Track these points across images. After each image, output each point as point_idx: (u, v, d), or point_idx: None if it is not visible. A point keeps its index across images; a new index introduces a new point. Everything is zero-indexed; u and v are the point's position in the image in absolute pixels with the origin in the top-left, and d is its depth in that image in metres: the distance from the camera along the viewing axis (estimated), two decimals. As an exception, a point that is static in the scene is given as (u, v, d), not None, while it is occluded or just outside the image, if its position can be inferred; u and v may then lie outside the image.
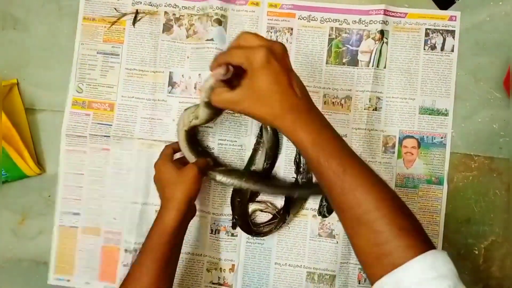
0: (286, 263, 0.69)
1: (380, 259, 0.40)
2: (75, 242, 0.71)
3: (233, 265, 0.70)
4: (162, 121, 0.71)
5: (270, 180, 0.68)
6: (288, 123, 0.45)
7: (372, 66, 0.70)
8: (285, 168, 0.70)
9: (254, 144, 0.70)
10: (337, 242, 0.69)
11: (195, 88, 0.71)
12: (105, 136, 0.71)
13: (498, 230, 0.68)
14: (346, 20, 0.71)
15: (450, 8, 0.70)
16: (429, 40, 0.70)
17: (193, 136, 0.65)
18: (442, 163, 0.69)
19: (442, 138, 0.69)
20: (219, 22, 0.72)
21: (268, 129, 0.68)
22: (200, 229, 0.70)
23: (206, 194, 0.70)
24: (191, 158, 0.62)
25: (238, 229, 0.69)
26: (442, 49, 0.70)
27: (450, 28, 0.70)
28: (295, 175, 0.69)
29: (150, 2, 0.73)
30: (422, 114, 0.69)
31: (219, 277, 0.70)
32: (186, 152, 0.63)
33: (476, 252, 0.68)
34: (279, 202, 0.70)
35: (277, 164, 0.70)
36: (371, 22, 0.70)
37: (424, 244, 0.40)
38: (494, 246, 0.68)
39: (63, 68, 0.73)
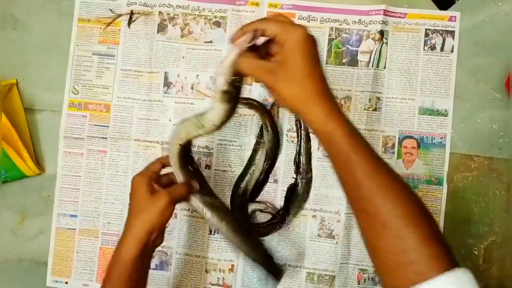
0: (285, 264, 0.69)
1: (403, 267, 0.38)
2: (73, 244, 0.71)
3: (233, 265, 0.70)
4: (158, 121, 0.71)
5: (250, 238, 0.59)
6: (319, 110, 0.41)
7: (372, 67, 0.70)
8: (284, 168, 0.70)
9: (254, 144, 0.70)
10: (337, 242, 0.68)
11: (192, 88, 0.71)
12: (102, 137, 0.71)
13: (498, 230, 0.68)
14: (346, 20, 0.71)
15: (450, 8, 0.70)
16: (429, 41, 0.70)
17: (187, 152, 0.57)
18: (442, 163, 0.69)
19: (441, 138, 0.69)
20: (218, 24, 0.72)
21: (269, 129, 0.68)
22: (199, 230, 0.70)
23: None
24: (179, 177, 0.55)
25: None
26: (442, 49, 0.70)
27: (450, 29, 0.70)
28: (294, 175, 0.69)
29: (145, 3, 0.73)
30: (421, 114, 0.69)
31: (218, 278, 0.70)
32: (175, 170, 0.55)
33: (476, 253, 0.68)
34: (279, 202, 0.69)
35: (277, 165, 0.70)
36: (371, 22, 0.70)
37: (447, 255, 0.38)
38: (494, 246, 0.68)
39: (62, 69, 0.73)
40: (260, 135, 0.69)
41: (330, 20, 0.71)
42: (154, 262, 0.69)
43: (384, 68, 0.70)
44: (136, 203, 0.52)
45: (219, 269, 0.70)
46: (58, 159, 0.72)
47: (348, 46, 0.70)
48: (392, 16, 0.70)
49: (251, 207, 0.69)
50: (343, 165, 0.41)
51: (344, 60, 0.70)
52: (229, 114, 0.47)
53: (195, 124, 0.50)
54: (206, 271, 0.70)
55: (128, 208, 0.53)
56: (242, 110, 0.70)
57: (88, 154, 0.71)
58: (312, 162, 0.69)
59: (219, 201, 0.57)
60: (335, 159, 0.42)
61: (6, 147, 0.68)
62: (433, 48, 0.70)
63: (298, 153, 0.69)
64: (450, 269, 0.36)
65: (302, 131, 0.69)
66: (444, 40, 0.70)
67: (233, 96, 0.45)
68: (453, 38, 0.70)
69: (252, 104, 0.69)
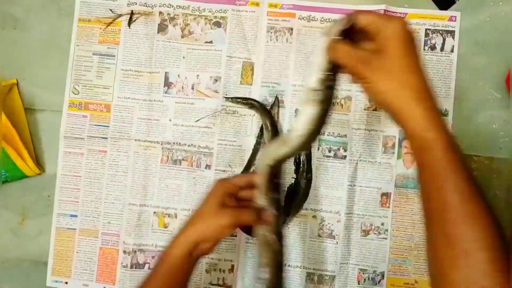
0: (285, 264, 0.69)
1: None
2: (73, 244, 0.71)
3: (233, 265, 0.70)
4: (159, 121, 0.71)
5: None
6: (421, 112, 0.36)
7: (372, 66, 0.70)
8: (285, 168, 0.70)
9: (254, 144, 0.70)
10: (337, 242, 0.68)
11: (192, 88, 0.71)
12: (102, 137, 0.71)
13: (498, 230, 0.68)
14: (346, 20, 0.71)
15: (450, 8, 0.70)
16: (429, 41, 0.70)
17: (277, 176, 0.50)
18: (442, 163, 0.68)
19: (442, 138, 0.69)
20: (218, 24, 0.72)
21: (269, 129, 0.68)
22: (200, 229, 0.70)
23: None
24: (259, 199, 0.50)
25: (237, 229, 0.69)
26: (442, 49, 0.70)
27: (450, 29, 0.70)
28: (294, 175, 0.69)
29: (145, 3, 0.73)
30: (422, 114, 0.69)
31: (218, 278, 0.70)
32: (261, 192, 0.50)
33: (476, 253, 0.68)
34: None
35: (276, 164, 0.70)
36: (371, 22, 0.70)
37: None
38: (494, 246, 0.68)
39: (62, 69, 0.73)
40: (260, 135, 0.69)
41: (330, 20, 0.71)
42: (154, 262, 0.69)
43: (384, 68, 0.70)
44: (203, 208, 0.51)
45: (219, 269, 0.70)
46: (58, 159, 0.72)
47: (348, 46, 0.70)
48: (392, 16, 0.70)
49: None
50: (434, 179, 0.37)
51: (344, 60, 0.70)
52: (318, 122, 0.40)
53: (279, 142, 0.45)
54: (206, 271, 0.70)
55: (197, 204, 0.52)
56: (242, 110, 0.70)
57: (88, 154, 0.72)
58: (312, 162, 0.69)
59: (279, 244, 0.50)
60: (426, 170, 0.38)
61: (6, 147, 0.68)
62: (433, 48, 0.70)
63: (298, 154, 0.69)
64: None
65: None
66: (444, 40, 0.70)
67: (324, 98, 0.39)
68: (453, 38, 0.70)
69: (252, 104, 0.69)
